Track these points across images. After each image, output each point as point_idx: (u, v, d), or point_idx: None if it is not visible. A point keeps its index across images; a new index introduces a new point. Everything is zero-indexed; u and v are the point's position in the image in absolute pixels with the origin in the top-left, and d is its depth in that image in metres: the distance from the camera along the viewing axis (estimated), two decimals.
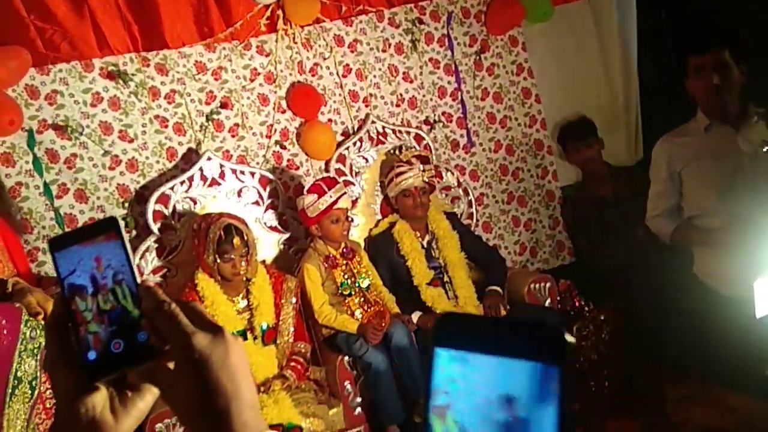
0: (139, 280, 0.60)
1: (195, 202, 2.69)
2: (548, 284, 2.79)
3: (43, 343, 1.31)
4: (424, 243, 2.85)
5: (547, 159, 3.58)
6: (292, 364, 2.43)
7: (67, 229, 2.66)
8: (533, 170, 3.56)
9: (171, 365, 0.58)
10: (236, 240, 2.35)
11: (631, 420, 2.52)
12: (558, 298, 2.78)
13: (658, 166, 2.62)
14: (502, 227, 3.48)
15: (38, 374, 1.30)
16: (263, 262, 2.66)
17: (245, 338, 2.39)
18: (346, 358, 2.46)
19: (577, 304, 2.74)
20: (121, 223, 0.62)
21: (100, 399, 0.57)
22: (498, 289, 2.76)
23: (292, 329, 2.51)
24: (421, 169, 2.82)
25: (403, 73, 3.26)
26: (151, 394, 0.60)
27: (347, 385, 2.43)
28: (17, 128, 2.53)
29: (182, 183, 2.67)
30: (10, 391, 1.25)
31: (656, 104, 3.70)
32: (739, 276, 2.12)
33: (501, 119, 3.50)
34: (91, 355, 0.57)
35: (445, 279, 2.80)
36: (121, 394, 0.59)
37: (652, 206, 2.67)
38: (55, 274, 0.59)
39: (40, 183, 2.61)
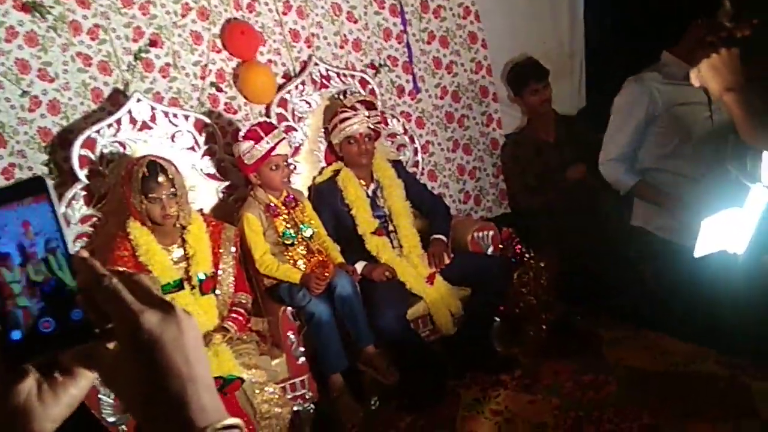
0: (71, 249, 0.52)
1: (124, 147, 2.53)
2: (491, 232, 2.80)
3: None
4: (369, 191, 2.80)
5: (492, 106, 3.55)
6: (233, 315, 2.37)
7: None
8: (478, 117, 3.53)
9: (111, 346, 0.52)
10: (161, 177, 2.24)
11: (566, 362, 2.62)
12: (500, 245, 2.80)
13: (631, 106, 2.49)
14: (447, 175, 3.47)
15: None
16: (201, 211, 2.55)
17: (182, 288, 2.31)
18: (289, 308, 2.42)
19: (518, 251, 2.78)
20: (50, 183, 0.53)
21: (25, 384, 0.51)
22: (442, 237, 2.75)
23: (231, 279, 2.44)
24: (367, 115, 2.74)
25: (347, 12, 3.12)
26: (86, 379, 0.53)
27: (290, 335, 2.40)
28: None
29: (109, 126, 2.50)
30: None
31: (598, 55, 3.72)
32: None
33: (447, 64, 3.43)
34: (16, 334, 0.50)
35: (390, 228, 2.77)
36: (50, 378, 0.52)
37: (610, 149, 2.58)
38: None
39: None
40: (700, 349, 2.48)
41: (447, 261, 2.66)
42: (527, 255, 2.75)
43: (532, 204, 3.22)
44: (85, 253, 0.53)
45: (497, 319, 2.75)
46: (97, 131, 2.48)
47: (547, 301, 2.76)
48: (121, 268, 2.20)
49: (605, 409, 2.26)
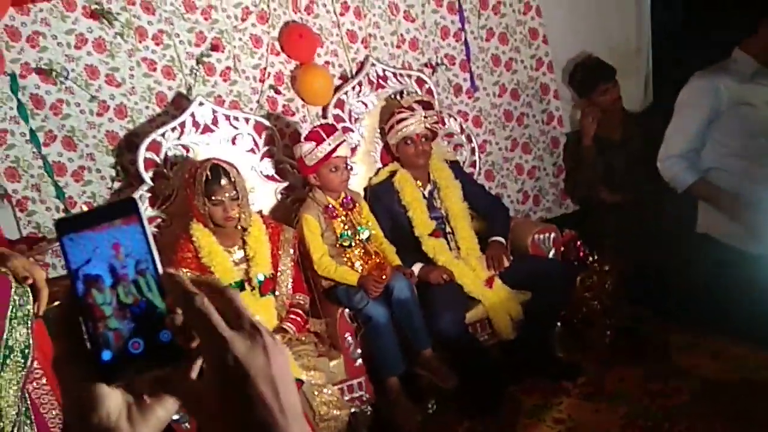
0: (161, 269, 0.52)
1: (187, 150, 2.59)
2: (552, 235, 2.72)
3: (31, 310, 1.24)
4: (426, 192, 2.77)
5: (553, 104, 3.45)
6: (292, 316, 2.39)
7: (56, 178, 2.58)
8: (538, 116, 3.44)
9: (194, 373, 0.51)
10: (224, 180, 2.28)
11: (632, 369, 2.52)
12: (562, 248, 2.72)
13: (696, 101, 2.41)
14: (504, 175, 3.39)
15: (30, 342, 1.24)
16: (260, 212, 2.58)
17: (243, 289, 2.35)
18: (347, 310, 2.42)
19: (581, 254, 2.69)
20: (141, 205, 0.54)
21: (115, 405, 0.50)
22: (501, 239, 2.69)
23: (290, 281, 2.46)
24: (423, 115, 2.70)
25: (404, 11, 3.09)
26: (173, 402, 0.53)
27: (348, 337, 2.40)
28: None
29: (173, 129, 2.56)
30: (1, 360, 1.19)
31: (666, 49, 3.56)
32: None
33: (506, 62, 3.35)
34: (106, 354, 0.50)
35: (447, 230, 2.73)
36: (138, 400, 0.52)
37: (671, 145, 2.50)
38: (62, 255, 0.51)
39: (26, 130, 2.51)
40: None
41: (506, 264, 2.60)
42: (591, 258, 2.66)
43: (595, 202, 3.10)
44: (172, 270, 0.53)
45: (559, 324, 2.67)
46: (162, 134, 2.55)
47: (612, 305, 2.66)
48: (189, 272, 2.24)
49: (676, 420, 2.16)
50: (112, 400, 0.51)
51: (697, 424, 2.12)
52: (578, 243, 2.71)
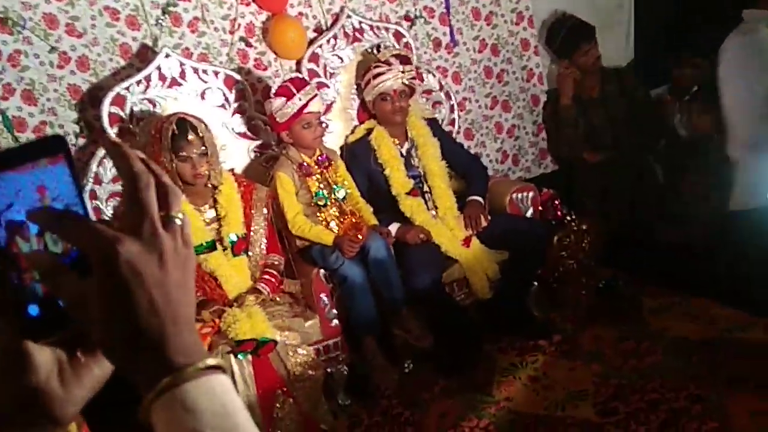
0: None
1: (154, 104, 2.48)
2: (531, 194, 2.69)
3: None
4: (403, 151, 2.70)
5: (534, 60, 3.38)
6: (266, 277, 2.34)
7: (16, 134, 2.45)
8: (518, 72, 3.36)
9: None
10: (191, 135, 2.19)
11: (607, 328, 2.53)
12: (540, 208, 2.69)
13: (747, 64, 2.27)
14: (484, 134, 3.33)
15: None
16: (232, 171, 2.50)
17: (214, 249, 2.28)
18: (322, 270, 2.38)
19: (559, 214, 2.67)
20: (69, 142, 0.47)
21: (44, 364, 0.47)
22: (479, 198, 2.65)
23: (264, 241, 2.40)
24: (401, 69, 2.62)
25: None
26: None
27: (323, 297, 2.36)
28: None
29: (139, 83, 2.45)
30: None
31: (648, 4, 3.49)
32: None
33: (486, 15, 3.25)
34: (33, 309, 0.46)
35: (425, 188, 2.68)
36: (72, 357, 0.48)
37: (742, 126, 2.32)
38: None
39: None
40: (748, 316, 2.36)
41: (484, 224, 2.57)
42: (568, 217, 2.64)
43: (577, 160, 3.06)
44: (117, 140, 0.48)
45: (535, 283, 2.66)
46: (127, 88, 2.44)
47: (589, 265, 2.65)
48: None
49: (649, 378, 2.18)
50: (42, 357, 0.46)
51: (669, 382, 2.14)
52: (556, 202, 2.68)
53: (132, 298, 0.44)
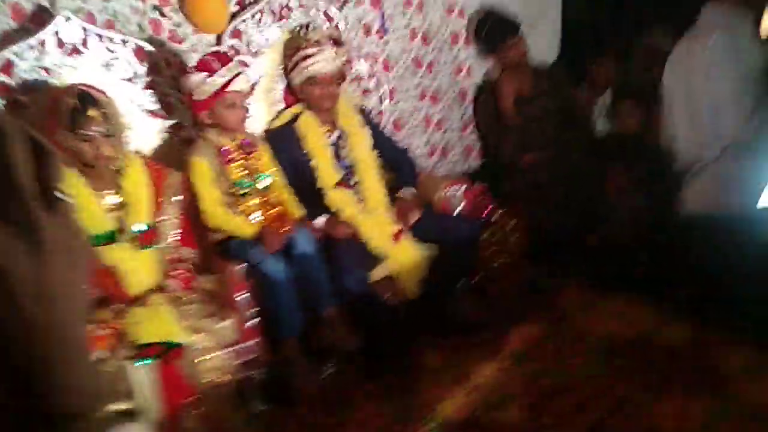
0: None
1: (49, 73, 2.18)
2: (462, 188, 2.62)
3: None
4: (332, 140, 2.55)
5: (463, 53, 3.32)
6: (177, 272, 2.12)
7: None
8: (449, 65, 3.29)
9: None
10: (93, 111, 1.93)
11: (534, 328, 2.50)
12: (471, 202, 2.63)
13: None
14: (413, 126, 3.24)
15: None
16: (140, 153, 2.24)
17: (113, 240, 2.03)
18: (241, 265, 2.18)
19: (488, 209, 2.62)
20: None
21: None
22: (411, 191, 2.55)
23: (175, 231, 2.17)
24: (334, 52, 2.46)
25: None
26: None
27: (241, 295, 2.17)
28: None
29: (32, 48, 2.14)
30: None
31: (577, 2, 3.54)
32: None
33: (417, 3, 3.15)
34: None
35: (354, 180, 2.54)
36: None
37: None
38: None
39: None
40: (670, 316, 2.41)
41: (416, 218, 2.47)
42: (496, 213, 2.60)
43: (517, 162, 3.03)
44: None
45: (463, 281, 2.59)
46: (16, 54, 2.12)
47: (516, 263, 2.63)
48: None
49: (577, 378, 2.17)
50: None
51: (597, 381, 2.14)
52: (486, 197, 2.63)
53: None
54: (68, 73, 2.20)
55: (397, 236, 2.44)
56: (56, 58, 2.19)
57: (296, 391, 2.24)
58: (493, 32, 3.18)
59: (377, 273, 2.41)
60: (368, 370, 2.34)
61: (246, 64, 2.57)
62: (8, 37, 2.20)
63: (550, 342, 2.41)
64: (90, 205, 1.98)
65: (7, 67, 2.12)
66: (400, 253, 2.42)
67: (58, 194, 0.32)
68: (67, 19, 2.20)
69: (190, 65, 2.30)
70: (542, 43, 3.47)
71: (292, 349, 2.24)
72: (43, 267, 0.30)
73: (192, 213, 2.28)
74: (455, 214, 2.63)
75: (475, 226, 2.54)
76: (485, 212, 2.64)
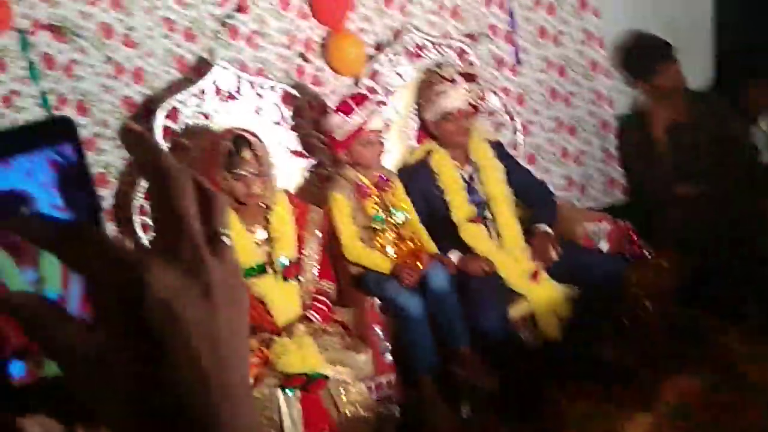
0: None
1: (208, 118, 2.39)
2: (606, 225, 2.48)
3: None
4: (465, 175, 2.54)
5: (604, 82, 3.18)
6: (317, 304, 2.19)
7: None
8: (587, 95, 3.17)
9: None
10: (247, 153, 2.08)
11: (692, 377, 2.27)
12: (615, 241, 2.47)
13: None
14: (548, 159, 3.14)
15: None
16: (285, 190, 2.37)
17: (264, 272, 2.15)
18: (376, 300, 2.21)
19: (636, 248, 2.44)
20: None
21: None
22: (547, 228, 2.46)
23: (316, 265, 2.26)
24: (466, 88, 2.46)
25: None
26: None
27: (377, 329, 2.20)
28: (6, 28, 2.22)
29: (193, 96, 2.36)
30: None
31: (728, 26, 3.27)
32: None
33: (553, 34, 3.08)
34: (18, 367, 0.32)
35: (488, 216, 2.50)
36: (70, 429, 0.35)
37: None
38: None
39: (37, 92, 2.31)
40: None
41: (555, 256, 2.36)
42: (647, 253, 2.41)
43: (668, 195, 2.83)
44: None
45: (609, 324, 2.43)
46: (181, 101, 2.36)
47: (668, 306, 2.41)
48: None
49: None
50: None
51: None
52: (633, 235, 2.46)
53: (162, 358, 0.29)
54: (224, 117, 2.40)
55: (534, 275, 2.35)
56: (214, 104, 2.40)
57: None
58: (643, 59, 3.02)
59: (514, 312, 2.33)
60: (505, 414, 2.25)
61: (383, 103, 2.66)
62: (174, 86, 2.46)
63: (713, 394, 2.17)
64: (241, 240, 2.12)
65: (174, 114, 2.35)
66: (538, 292, 2.32)
67: (223, 237, 0.33)
68: (224, 68, 2.40)
69: (330, 107, 2.42)
70: (693, 67, 3.24)
71: (428, 388, 2.21)
72: (212, 310, 0.30)
73: (330, 247, 2.36)
74: (599, 251, 2.49)
75: (620, 264, 2.39)
76: (631, 250, 2.47)
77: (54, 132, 0.34)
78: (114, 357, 0.28)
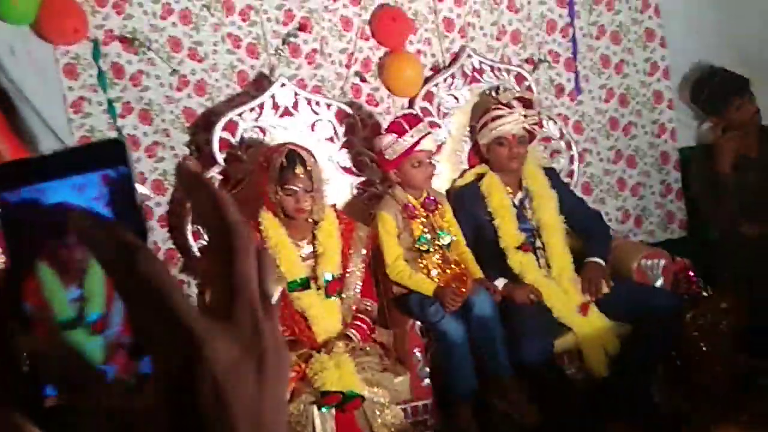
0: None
1: (264, 132, 2.44)
2: (662, 261, 2.37)
3: None
4: (516, 201, 2.48)
5: (666, 114, 3.08)
6: (357, 323, 2.18)
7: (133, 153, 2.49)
8: (648, 126, 3.07)
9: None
10: (299, 169, 2.10)
11: (749, 427, 2.13)
12: (672, 278, 2.36)
13: None
14: (604, 189, 3.05)
15: None
16: (333, 206, 2.39)
17: (308, 287, 2.15)
18: (418, 322, 2.18)
19: (693, 287, 2.32)
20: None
21: None
22: (600, 260, 2.37)
23: (359, 283, 2.25)
24: (523, 113, 2.43)
25: (508, 1, 2.82)
26: None
27: (417, 352, 2.17)
28: (82, 37, 2.35)
29: (252, 110, 2.42)
30: None
31: None
32: None
33: (616, 64, 3.02)
34: (53, 390, 0.32)
35: (538, 244, 2.44)
36: None
37: None
38: None
39: (104, 99, 2.42)
40: None
41: (606, 290, 2.27)
42: (705, 293, 2.29)
43: (734, 233, 2.69)
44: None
45: (661, 365, 2.31)
46: (240, 114, 2.42)
47: (727, 350, 2.28)
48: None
49: None
50: None
51: None
52: (691, 274, 2.34)
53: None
54: (280, 132, 2.44)
55: (584, 307, 2.26)
56: (271, 119, 2.45)
57: None
58: (717, 92, 2.89)
59: (560, 344, 2.25)
60: None
61: (436, 125, 2.65)
62: (234, 100, 2.53)
63: None
64: (288, 254, 2.13)
65: (232, 127, 2.41)
66: (586, 326, 2.24)
67: (273, 298, 0.31)
68: (283, 85, 2.46)
69: (383, 126, 2.42)
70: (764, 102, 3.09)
71: (465, 416, 2.16)
72: (263, 385, 0.27)
73: (374, 266, 2.35)
74: (654, 287, 2.38)
75: (676, 303, 2.27)
76: (688, 287, 2.35)
77: (106, 154, 0.34)
78: (153, 426, 0.27)
